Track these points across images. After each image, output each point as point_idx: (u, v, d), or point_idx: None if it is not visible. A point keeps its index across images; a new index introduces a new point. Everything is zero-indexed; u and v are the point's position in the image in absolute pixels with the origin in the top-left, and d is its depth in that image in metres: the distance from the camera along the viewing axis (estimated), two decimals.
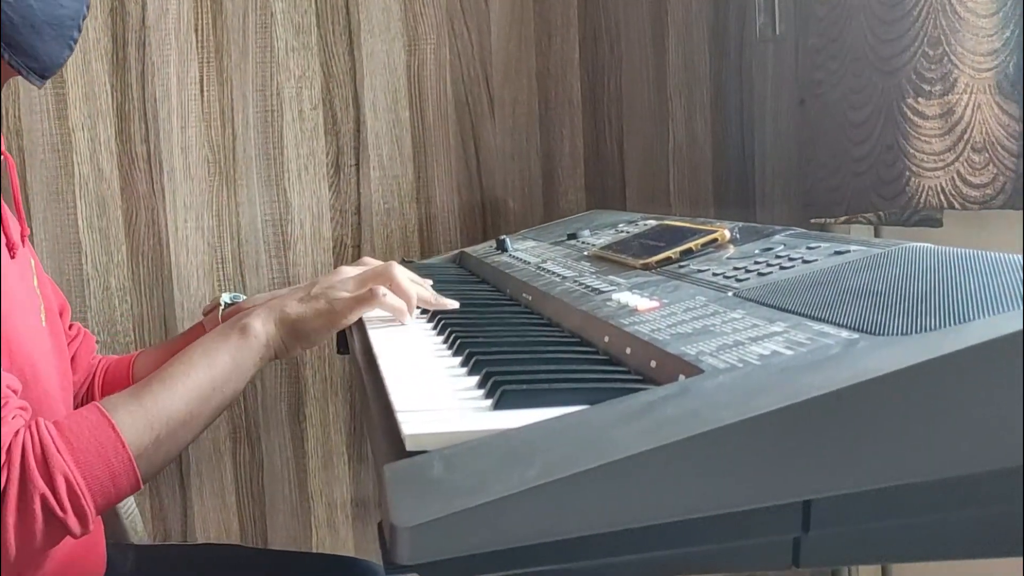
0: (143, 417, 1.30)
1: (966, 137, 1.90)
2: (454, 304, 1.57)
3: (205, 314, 1.83)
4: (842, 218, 2.14)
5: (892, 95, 2.00)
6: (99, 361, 1.82)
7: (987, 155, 1.89)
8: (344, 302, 1.48)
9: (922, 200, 1.94)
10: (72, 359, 1.73)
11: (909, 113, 1.95)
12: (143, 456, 1.28)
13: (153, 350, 1.86)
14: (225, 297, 1.82)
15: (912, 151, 1.94)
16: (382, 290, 1.48)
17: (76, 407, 1.72)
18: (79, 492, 1.20)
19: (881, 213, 2.07)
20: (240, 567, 1.87)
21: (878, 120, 2.05)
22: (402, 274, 1.54)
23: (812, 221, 2.21)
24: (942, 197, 1.92)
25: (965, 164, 1.91)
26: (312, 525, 2.76)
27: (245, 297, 1.83)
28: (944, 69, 1.91)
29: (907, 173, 1.95)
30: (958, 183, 1.91)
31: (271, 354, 1.49)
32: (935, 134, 1.93)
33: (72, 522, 1.20)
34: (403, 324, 1.49)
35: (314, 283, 1.55)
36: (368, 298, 1.47)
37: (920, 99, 1.94)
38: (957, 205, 1.92)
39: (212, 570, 1.85)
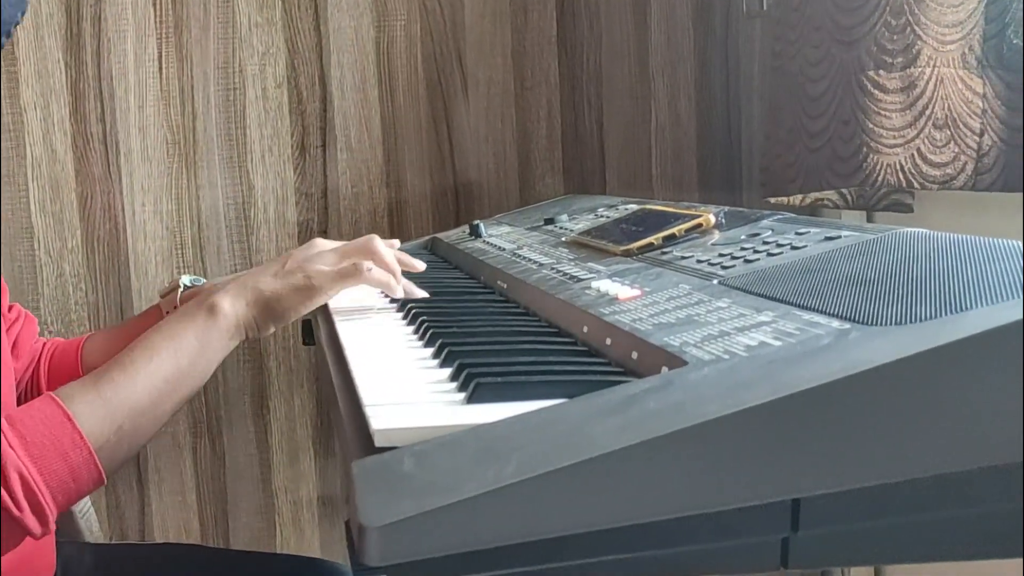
0: (103, 407, 1.28)
1: (927, 113, 1.89)
2: (423, 293, 1.57)
3: (162, 296, 1.81)
4: (803, 200, 2.14)
5: (851, 67, 1.99)
6: (45, 344, 1.80)
7: (949, 132, 1.88)
8: (325, 276, 1.46)
9: (880, 178, 1.93)
10: (13, 345, 1.71)
11: (869, 86, 1.95)
12: (104, 449, 1.26)
13: (104, 332, 1.84)
14: (184, 279, 1.80)
15: (871, 126, 1.93)
16: (367, 264, 1.46)
17: (20, 394, 1.71)
18: (36, 489, 1.18)
19: (848, 196, 2.07)
20: (201, 568, 1.86)
21: (836, 93, 2.05)
22: (385, 248, 1.52)
23: (771, 201, 2.20)
24: (901, 176, 1.91)
25: (926, 141, 1.90)
26: (276, 524, 2.75)
27: (206, 281, 1.81)
28: (907, 40, 1.91)
29: (865, 149, 1.94)
30: (918, 161, 1.90)
31: (242, 335, 1.46)
32: (895, 109, 1.92)
33: (31, 521, 1.19)
34: (395, 297, 1.49)
35: (287, 256, 1.53)
36: (352, 273, 1.45)
37: (881, 71, 1.93)
38: (917, 184, 1.91)
39: (172, 571, 1.84)
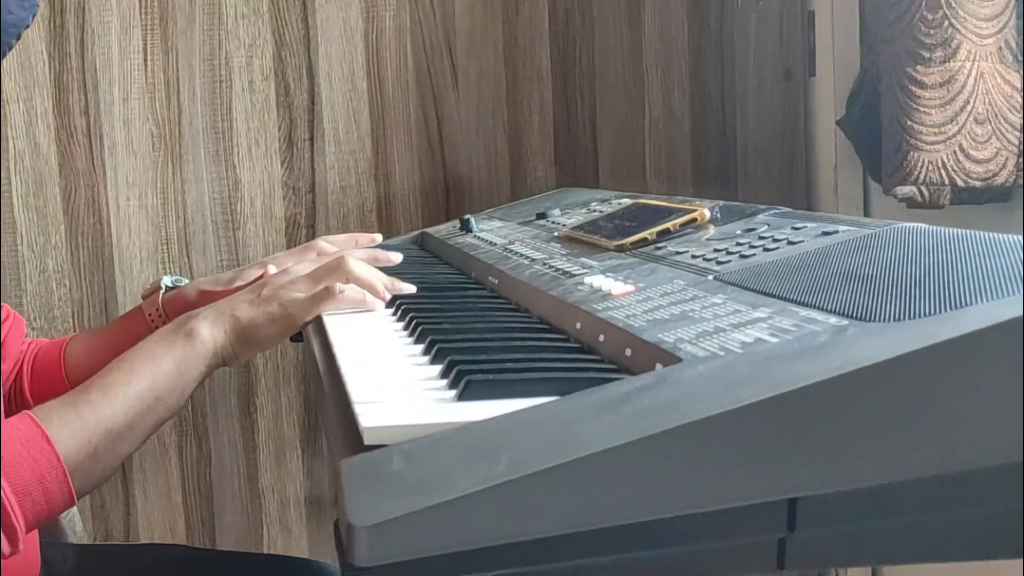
0: (80, 428, 1.28)
1: (968, 108, 1.89)
2: (410, 288, 1.57)
3: (144, 297, 1.81)
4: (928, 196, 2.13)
5: (891, 63, 1.99)
6: (29, 344, 1.80)
7: (990, 127, 1.88)
8: (299, 304, 1.47)
9: (923, 176, 1.92)
10: (1, 346, 1.70)
11: (907, 82, 1.94)
12: (79, 470, 1.26)
13: (86, 335, 1.84)
14: (166, 280, 1.80)
15: (910, 123, 1.93)
16: (339, 286, 1.46)
17: (4, 396, 1.71)
18: (9, 509, 1.18)
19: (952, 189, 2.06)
20: (187, 568, 1.86)
21: (880, 90, 2.05)
22: (357, 266, 1.52)
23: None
24: (943, 172, 1.91)
25: (967, 137, 1.90)
26: (263, 524, 2.75)
27: (188, 281, 1.81)
28: (944, 34, 1.90)
29: (905, 147, 1.94)
30: (960, 157, 1.90)
31: (219, 362, 1.46)
32: (935, 104, 1.92)
33: (1, 541, 1.19)
34: (373, 311, 1.49)
35: (263, 284, 1.53)
36: (325, 297, 1.46)
37: (919, 67, 1.93)
38: (960, 181, 1.91)
39: (157, 571, 1.84)
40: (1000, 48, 1.87)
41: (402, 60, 2.69)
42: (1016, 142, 1.88)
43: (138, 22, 2.56)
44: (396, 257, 1.66)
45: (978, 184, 1.91)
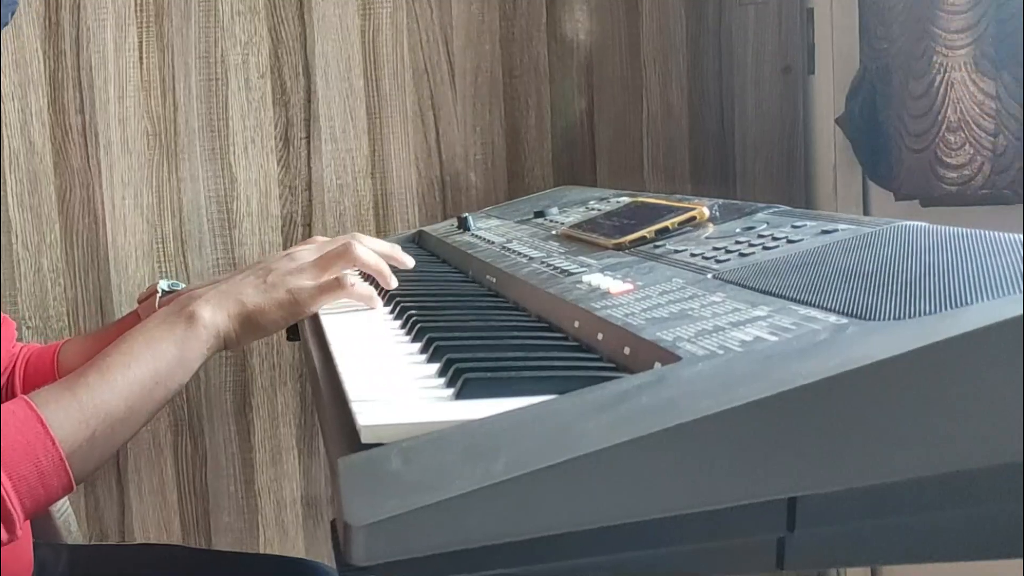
0: (78, 412, 1.26)
1: (939, 117, 1.92)
2: (410, 261, 1.57)
3: (140, 302, 1.80)
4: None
5: (894, 71, 2.02)
6: (21, 349, 1.79)
7: (963, 135, 1.91)
8: (308, 292, 1.44)
9: (907, 181, 1.95)
10: None
11: (902, 92, 1.97)
12: (76, 454, 1.24)
13: (81, 339, 1.83)
14: (163, 284, 1.78)
15: (900, 131, 1.96)
16: (350, 279, 1.45)
17: None
18: (4, 495, 1.17)
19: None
20: (182, 569, 1.86)
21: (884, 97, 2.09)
22: (365, 252, 1.51)
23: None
24: (923, 179, 1.94)
25: (941, 145, 1.92)
26: (259, 524, 2.75)
27: (184, 285, 1.80)
28: (922, 47, 1.94)
29: (897, 154, 1.97)
30: (935, 165, 1.92)
31: (220, 345, 1.44)
32: (917, 114, 1.95)
33: None
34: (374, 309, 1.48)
35: (268, 268, 1.50)
36: (334, 287, 1.44)
37: (911, 79, 1.96)
38: (934, 189, 1.93)
39: (152, 572, 1.83)
40: (975, 57, 1.89)
41: (399, 57, 2.69)
42: (990, 147, 1.89)
43: (133, 20, 2.56)
44: (409, 262, 1.64)
45: (953, 189, 1.93)
